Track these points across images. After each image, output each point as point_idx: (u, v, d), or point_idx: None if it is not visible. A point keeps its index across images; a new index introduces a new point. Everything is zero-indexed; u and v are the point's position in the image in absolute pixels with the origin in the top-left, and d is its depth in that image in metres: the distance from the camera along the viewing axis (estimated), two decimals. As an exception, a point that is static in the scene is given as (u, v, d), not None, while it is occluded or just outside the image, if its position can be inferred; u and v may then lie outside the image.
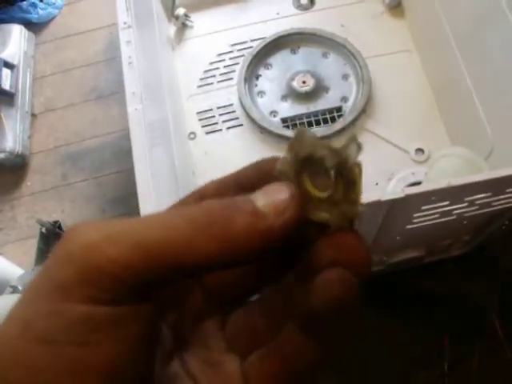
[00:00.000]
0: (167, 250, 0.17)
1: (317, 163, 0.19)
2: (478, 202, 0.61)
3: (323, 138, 0.95)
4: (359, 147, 0.19)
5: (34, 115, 1.23)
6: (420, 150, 0.93)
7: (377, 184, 0.92)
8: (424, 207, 0.60)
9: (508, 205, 0.65)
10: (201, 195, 0.23)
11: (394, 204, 0.56)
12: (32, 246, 1.02)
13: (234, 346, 0.22)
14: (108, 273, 0.17)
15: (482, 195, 0.59)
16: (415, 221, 0.64)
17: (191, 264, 0.18)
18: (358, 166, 0.19)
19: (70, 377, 0.17)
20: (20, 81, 1.22)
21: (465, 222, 0.70)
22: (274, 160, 0.21)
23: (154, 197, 0.58)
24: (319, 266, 0.19)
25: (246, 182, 0.22)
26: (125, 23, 0.69)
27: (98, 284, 0.17)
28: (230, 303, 0.24)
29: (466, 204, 0.61)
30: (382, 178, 0.92)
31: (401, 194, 0.54)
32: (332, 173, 0.19)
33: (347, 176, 0.19)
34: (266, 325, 0.23)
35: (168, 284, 0.19)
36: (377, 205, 0.55)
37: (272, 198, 0.19)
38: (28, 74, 1.25)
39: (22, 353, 0.17)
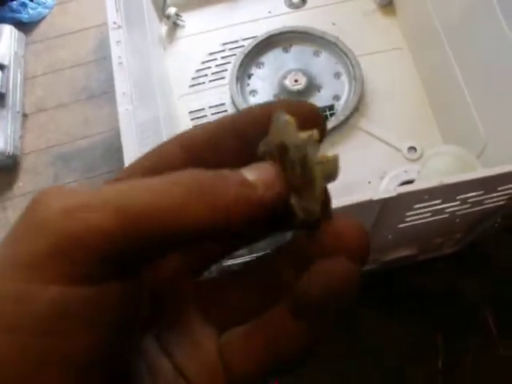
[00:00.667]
0: (154, 216, 0.15)
1: (288, 152, 0.18)
2: (470, 200, 0.61)
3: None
4: (316, 146, 0.18)
5: (25, 115, 1.22)
6: (412, 148, 0.93)
7: (369, 182, 0.92)
8: (416, 206, 0.60)
9: (500, 203, 0.65)
10: (184, 146, 0.20)
11: (386, 203, 0.56)
12: (24, 247, 1.02)
13: (210, 317, 0.20)
14: (87, 243, 0.15)
15: (474, 193, 0.59)
16: (408, 219, 0.64)
17: (180, 232, 0.16)
18: (322, 164, 0.18)
19: (39, 371, 0.14)
20: (11, 81, 1.21)
21: (457, 220, 0.70)
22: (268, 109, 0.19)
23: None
24: (317, 253, 0.18)
25: (243, 133, 0.20)
26: (115, 23, 0.68)
27: (74, 256, 0.15)
28: (204, 263, 0.22)
29: (458, 202, 0.61)
30: (375, 176, 0.92)
31: (393, 193, 0.54)
32: (296, 166, 0.18)
33: (306, 173, 0.18)
34: (244, 299, 0.21)
35: (151, 258, 0.17)
36: (369, 204, 0.55)
37: (260, 172, 0.18)
38: (19, 74, 1.24)
39: None
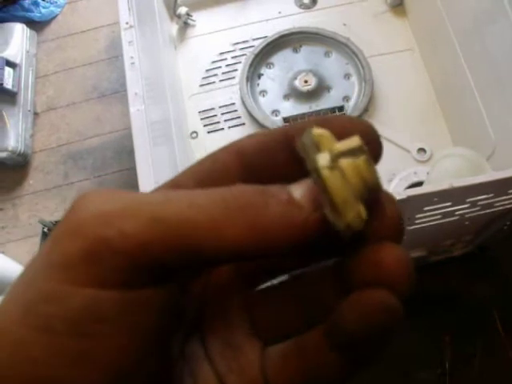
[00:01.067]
0: (190, 230, 0.15)
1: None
2: (480, 203, 0.61)
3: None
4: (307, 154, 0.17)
5: (36, 114, 1.23)
6: (422, 150, 0.93)
7: (379, 183, 0.91)
8: (426, 208, 0.60)
9: (510, 205, 0.65)
10: (239, 153, 0.19)
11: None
12: (34, 244, 1.02)
13: (259, 330, 0.20)
14: (120, 250, 0.15)
15: (484, 196, 0.59)
16: (417, 222, 0.64)
17: (215, 249, 0.16)
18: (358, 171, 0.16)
19: (67, 369, 0.15)
20: (22, 79, 1.22)
21: (466, 223, 0.70)
22: None
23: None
24: (357, 281, 0.17)
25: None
26: (127, 23, 0.69)
27: (107, 262, 0.15)
28: (260, 278, 0.22)
29: (468, 205, 0.61)
30: (384, 177, 0.92)
31: (403, 195, 0.54)
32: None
33: (318, 183, 0.17)
34: (295, 314, 0.20)
35: (188, 270, 0.17)
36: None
37: (309, 190, 0.17)
38: (30, 73, 1.25)
39: (21, 342, 0.15)
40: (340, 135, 0.17)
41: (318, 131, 0.17)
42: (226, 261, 0.17)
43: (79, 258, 0.15)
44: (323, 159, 0.16)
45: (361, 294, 0.17)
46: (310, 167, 0.17)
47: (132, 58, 0.66)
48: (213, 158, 0.20)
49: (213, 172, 0.19)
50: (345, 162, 0.16)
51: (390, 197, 0.18)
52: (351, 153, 0.16)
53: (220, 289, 0.21)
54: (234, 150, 0.19)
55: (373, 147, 0.17)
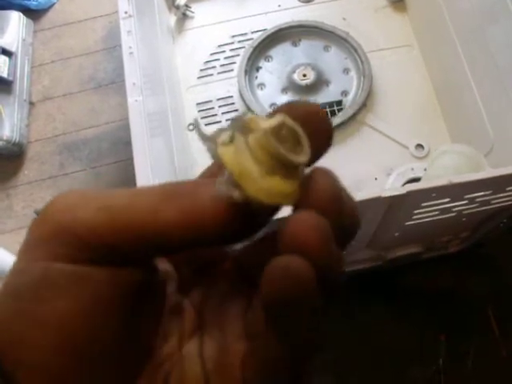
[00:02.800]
0: (131, 215, 0.18)
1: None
2: (478, 200, 0.61)
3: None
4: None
5: (31, 103, 1.22)
6: (420, 146, 0.93)
7: (376, 179, 0.91)
8: (424, 204, 0.59)
9: (507, 203, 0.65)
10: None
11: (394, 200, 0.56)
12: (28, 235, 1.02)
13: (250, 332, 0.21)
14: (72, 232, 0.18)
15: (483, 193, 0.59)
16: (415, 217, 0.64)
17: (155, 232, 0.18)
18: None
19: (28, 331, 0.17)
20: (18, 68, 1.20)
21: (464, 219, 0.70)
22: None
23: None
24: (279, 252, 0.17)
25: None
26: (126, 12, 0.68)
27: (61, 241, 0.18)
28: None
29: (466, 201, 0.61)
30: (381, 173, 0.92)
31: (402, 191, 0.54)
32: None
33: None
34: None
35: (142, 254, 0.19)
36: (377, 201, 0.55)
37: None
38: (26, 62, 1.24)
39: (1, 309, 0.18)
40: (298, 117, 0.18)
41: (246, 116, 0.18)
42: (168, 243, 0.18)
43: (41, 239, 0.18)
44: (221, 137, 0.17)
45: (269, 263, 0.16)
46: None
47: (130, 47, 0.65)
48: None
49: None
50: (250, 137, 0.17)
51: (323, 171, 0.18)
52: (273, 132, 0.17)
53: (220, 297, 0.23)
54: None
55: (317, 129, 0.19)
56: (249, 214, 0.18)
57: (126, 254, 0.19)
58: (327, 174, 0.18)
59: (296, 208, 0.18)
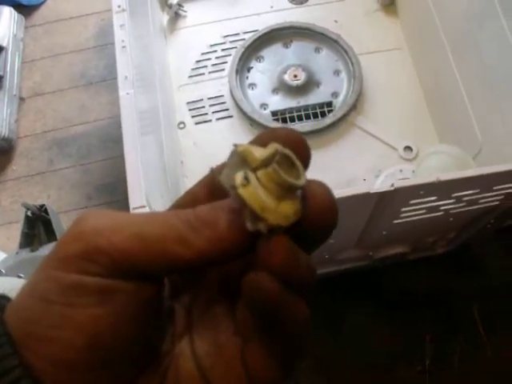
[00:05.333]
0: (162, 245, 0.20)
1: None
2: (465, 199, 0.62)
3: (313, 132, 0.95)
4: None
5: (21, 99, 1.21)
6: (408, 148, 0.94)
7: (364, 180, 0.92)
8: (412, 202, 0.60)
9: (494, 203, 0.66)
10: (193, 196, 0.25)
11: (383, 197, 0.56)
12: (16, 230, 1.01)
13: (241, 330, 0.23)
14: (105, 253, 0.20)
15: (470, 192, 0.60)
16: (403, 215, 0.64)
17: (184, 260, 0.20)
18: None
19: (55, 330, 0.20)
20: (8, 63, 1.19)
21: (451, 219, 0.70)
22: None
23: (143, 184, 0.58)
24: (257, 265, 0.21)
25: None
26: (119, 6, 0.68)
27: (94, 260, 0.20)
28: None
29: (453, 200, 0.62)
30: (370, 174, 0.93)
31: (391, 187, 0.54)
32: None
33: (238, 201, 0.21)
34: None
35: (163, 274, 0.22)
36: (366, 197, 0.56)
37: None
38: (17, 57, 1.23)
39: (25, 308, 0.20)
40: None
41: (240, 148, 0.20)
42: (190, 267, 0.21)
43: (75, 256, 0.20)
44: (238, 178, 0.20)
45: (245, 277, 0.20)
46: (231, 191, 0.20)
47: (123, 41, 0.65)
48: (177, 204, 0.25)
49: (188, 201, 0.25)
50: (259, 173, 0.20)
51: (321, 187, 0.22)
52: (269, 160, 0.20)
53: (208, 300, 0.25)
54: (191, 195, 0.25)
55: (300, 152, 0.21)
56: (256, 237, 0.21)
57: (150, 275, 0.21)
58: (323, 189, 0.22)
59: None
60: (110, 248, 0.20)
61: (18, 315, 0.20)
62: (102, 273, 0.20)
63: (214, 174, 0.22)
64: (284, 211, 0.20)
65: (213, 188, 0.24)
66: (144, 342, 0.22)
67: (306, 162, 0.22)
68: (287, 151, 0.20)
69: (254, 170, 0.20)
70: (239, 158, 0.21)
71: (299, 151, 0.21)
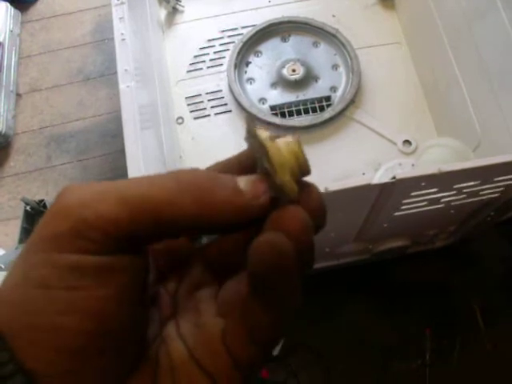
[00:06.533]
0: (150, 205, 0.20)
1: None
2: (466, 191, 0.62)
3: (312, 126, 0.95)
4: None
5: (18, 95, 1.21)
6: (407, 142, 0.94)
7: (364, 174, 0.92)
8: (413, 193, 0.60)
9: (495, 195, 0.66)
10: (223, 165, 0.25)
11: (384, 188, 0.56)
12: (14, 226, 1.00)
13: (223, 311, 0.23)
14: (95, 226, 0.19)
15: (471, 183, 0.60)
16: (403, 207, 0.64)
17: (172, 221, 0.20)
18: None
19: (61, 317, 0.19)
20: (5, 59, 1.19)
21: (452, 211, 0.70)
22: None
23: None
24: (265, 230, 0.21)
25: (247, 164, 0.24)
26: None
27: (86, 236, 0.19)
28: (228, 273, 0.25)
29: (454, 192, 0.62)
30: (369, 168, 0.93)
31: (392, 179, 0.54)
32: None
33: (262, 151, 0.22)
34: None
35: (153, 240, 0.21)
36: (367, 189, 0.55)
37: (253, 183, 0.21)
38: (13, 53, 1.23)
39: (22, 299, 0.19)
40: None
41: (262, 133, 0.21)
42: (180, 230, 0.21)
43: (65, 234, 0.19)
44: (264, 134, 0.21)
45: (257, 237, 0.20)
46: (254, 147, 0.22)
47: (123, 34, 0.65)
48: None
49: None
50: (281, 141, 0.21)
51: (316, 188, 0.22)
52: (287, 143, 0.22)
53: (192, 284, 0.25)
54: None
55: (318, 218, 0.22)
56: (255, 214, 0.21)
57: (141, 242, 0.21)
58: (318, 190, 0.23)
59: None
60: (98, 220, 0.19)
61: (11, 306, 0.19)
62: (96, 249, 0.19)
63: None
64: (290, 181, 0.21)
65: (244, 161, 0.24)
66: (136, 327, 0.22)
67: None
68: (301, 144, 0.22)
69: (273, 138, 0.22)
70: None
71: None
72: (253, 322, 0.21)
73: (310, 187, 0.22)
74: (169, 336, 0.23)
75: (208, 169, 0.25)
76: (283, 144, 0.21)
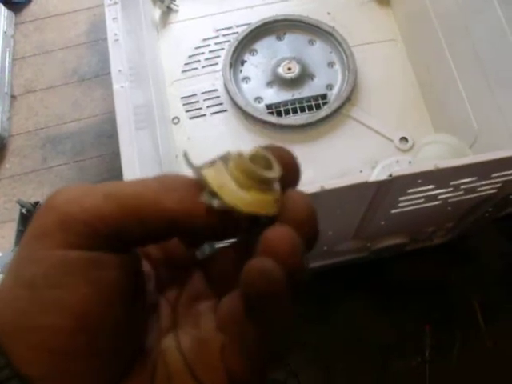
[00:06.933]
0: (136, 201, 0.20)
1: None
2: (463, 187, 0.62)
3: (308, 125, 0.95)
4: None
5: (13, 97, 1.20)
6: (404, 139, 0.94)
7: (361, 171, 0.92)
8: (410, 190, 0.60)
9: (492, 191, 0.65)
10: None
11: (380, 186, 0.56)
12: (10, 229, 1.00)
13: (222, 325, 0.23)
14: (81, 220, 0.19)
15: (468, 179, 0.59)
16: (400, 205, 0.64)
17: (156, 218, 0.20)
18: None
19: (45, 316, 0.19)
20: (-1, 61, 1.19)
21: (449, 208, 0.70)
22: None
23: (140, 177, 0.57)
24: (256, 253, 0.20)
25: None
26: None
27: (72, 230, 0.19)
28: (228, 286, 0.25)
29: (451, 188, 0.62)
30: (366, 165, 0.92)
31: (388, 176, 0.54)
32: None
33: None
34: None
35: (141, 240, 0.21)
36: (363, 186, 0.55)
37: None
38: (7, 54, 1.22)
39: (11, 300, 0.19)
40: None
41: (227, 152, 0.22)
42: (165, 230, 0.21)
43: (51, 229, 0.19)
44: (206, 164, 0.21)
45: (249, 261, 0.20)
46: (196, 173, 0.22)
47: (116, 34, 0.65)
48: None
49: None
50: (230, 163, 0.21)
51: (301, 197, 0.22)
52: (250, 157, 0.21)
53: (193, 296, 0.25)
54: None
55: (289, 169, 0.22)
56: (229, 219, 0.21)
57: (129, 239, 0.21)
58: (302, 195, 0.22)
59: (275, 222, 0.21)
60: (82, 213, 0.19)
61: (4, 309, 0.19)
62: (82, 243, 0.19)
63: (186, 157, 0.22)
64: (245, 197, 0.21)
65: None
66: (130, 330, 0.22)
67: (293, 176, 0.23)
68: (266, 153, 0.22)
69: (226, 162, 0.22)
70: (224, 158, 0.22)
71: (288, 168, 0.22)
72: (246, 339, 0.21)
73: (293, 198, 0.22)
74: (168, 349, 0.23)
75: None
76: (232, 165, 0.21)
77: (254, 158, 0.21)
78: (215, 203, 0.20)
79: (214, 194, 0.21)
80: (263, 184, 0.21)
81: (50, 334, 0.19)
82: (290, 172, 0.22)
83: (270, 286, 0.19)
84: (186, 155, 0.22)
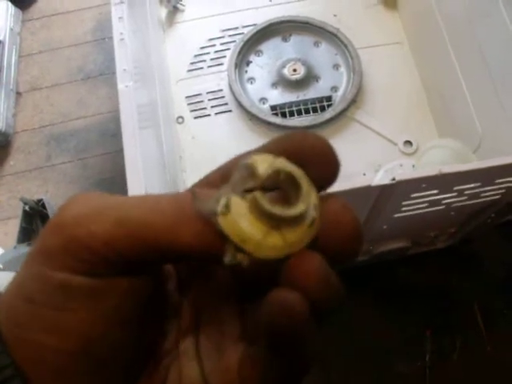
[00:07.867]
0: (149, 232, 0.18)
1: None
2: (466, 192, 0.61)
3: (312, 127, 0.95)
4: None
5: (18, 94, 1.21)
6: (408, 142, 0.94)
7: (364, 174, 0.92)
8: (413, 195, 0.60)
9: (496, 197, 0.65)
10: (208, 182, 0.22)
11: (384, 190, 0.56)
12: (13, 226, 1.00)
13: (246, 335, 0.22)
14: (86, 246, 0.18)
15: (472, 185, 0.59)
16: (404, 209, 0.64)
17: (172, 250, 0.19)
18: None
19: (45, 335, 0.18)
20: (5, 57, 1.18)
21: (452, 213, 0.70)
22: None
23: (143, 178, 0.57)
24: (281, 283, 0.19)
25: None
26: (118, -1, 0.68)
27: (76, 255, 0.18)
28: (256, 292, 0.23)
29: (455, 194, 0.61)
30: (370, 168, 0.92)
31: (392, 180, 0.54)
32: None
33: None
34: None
35: (154, 264, 0.20)
36: (367, 190, 0.55)
37: None
38: (14, 51, 1.22)
39: (12, 309, 0.19)
40: (296, 151, 0.19)
41: (248, 160, 0.18)
42: (177, 258, 0.20)
43: (57, 251, 0.19)
44: (219, 205, 0.18)
45: (269, 294, 0.18)
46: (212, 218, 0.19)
47: (122, 34, 0.65)
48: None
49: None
50: (247, 200, 0.18)
51: (341, 206, 0.19)
52: (272, 179, 0.18)
53: (216, 297, 0.24)
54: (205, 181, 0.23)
55: (324, 161, 0.19)
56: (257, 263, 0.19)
57: (141, 266, 0.20)
58: (346, 209, 0.19)
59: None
60: (89, 238, 0.18)
61: (7, 314, 0.19)
62: (86, 270, 0.18)
63: (194, 196, 0.19)
64: (272, 243, 0.18)
65: (226, 173, 0.21)
66: (141, 342, 0.21)
67: (327, 173, 0.19)
68: (291, 168, 0.18)
69: (258, 189, 0.18)
70: (246, 172, 0.18)
71: (318, 161, 0.19)
72: (265, 366, 0.20)
73: (335, 213, 0.19)
74: (186, 353, 0.23)
75: (193, 186, 0.23)
76: (236, 207, 0.18)
77: (276, 175, 0.18)
78: (244, 263, 0.18)
79: (237, 248, 0.18)
80: (292, 222, 0.18)
81: (46, 352, 0.19)
82: (327, 166, 0.19)
83: (291, 322, 0.18)
84: (194, 194, 0.19)
